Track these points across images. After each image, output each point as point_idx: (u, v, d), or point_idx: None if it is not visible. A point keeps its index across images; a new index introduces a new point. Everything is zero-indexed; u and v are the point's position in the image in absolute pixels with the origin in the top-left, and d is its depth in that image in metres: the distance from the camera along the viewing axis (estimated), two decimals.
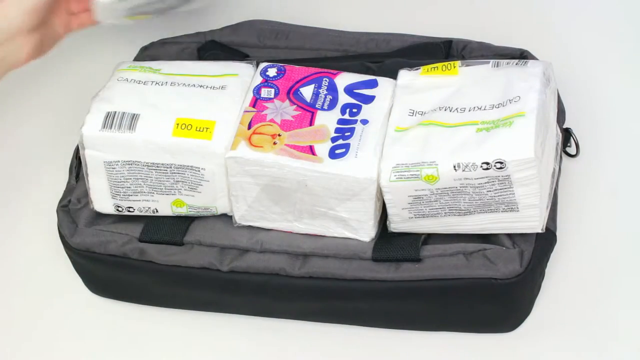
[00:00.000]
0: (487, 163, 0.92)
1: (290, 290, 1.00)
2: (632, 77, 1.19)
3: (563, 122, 1.09)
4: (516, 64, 1.00)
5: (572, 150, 1.10)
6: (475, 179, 0.93)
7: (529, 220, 0.95)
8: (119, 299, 1.07)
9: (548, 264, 1.01)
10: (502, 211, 0.95)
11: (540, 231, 0.96)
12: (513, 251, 0.96)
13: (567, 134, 1.09)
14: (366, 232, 0.99)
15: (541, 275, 1.01)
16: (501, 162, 0.92)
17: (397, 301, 0.99)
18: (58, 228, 1.05)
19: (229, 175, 0.99)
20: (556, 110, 1.02)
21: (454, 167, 0.93)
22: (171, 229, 1.02)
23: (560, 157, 1.06)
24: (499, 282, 0.96)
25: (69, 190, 1.06)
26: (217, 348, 1.04)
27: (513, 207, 0.95)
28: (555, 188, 1.01)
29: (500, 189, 0.93)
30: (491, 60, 1.01)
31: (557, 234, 1.00)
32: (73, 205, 1.05)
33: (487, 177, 0.93)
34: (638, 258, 1.05)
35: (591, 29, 1.24)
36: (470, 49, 1.12)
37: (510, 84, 0.97)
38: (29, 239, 1.13)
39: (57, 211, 1.05)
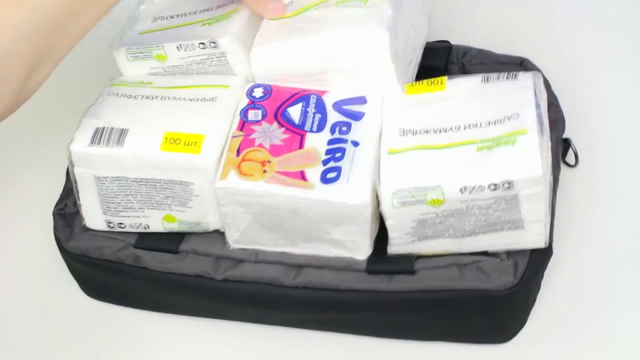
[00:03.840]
0: (495, 184, 0.88)
1: (284, 300, 0.97)
2: (633, 87, 1.16)
3: (562, 132, 1.05)
4: (506, 77, 0.96)
5: (571, 160, 1.08)
6: (482, 200, 0.89)
7: (533, 235, 0.91)
8: (114, 303, 1.05)
9: (544, 275, 0.98)
10: (507, 229, 0.91)
11: (543, 246, 0.92)
12: (507, 263, 0.93)
13: (566, 144, 1.06)
14: (362, 252, 0.95)
15: (536, 287, 0.97)
16: (509, 182, 0.87)
17: (391, 312, 0.96)
18: (54, 232, 1.02)
19: (220, 206, 0.95)
20: (548, 122, 0.97)
21: (461, 190, 0.88)
22: (167, 236, 0.99)
23: (559, 167, 1.03)
24: (492, 294, 0.92)
25: (65, 194, 1.04)
26: (212, 353, 1.02)
27: (518, 224, 0.90)
28: (553, 198, 0.97)
29: (507, 208, 0.89)
30: (480, 75, 0.97)
31: (555, 245, 0.96)
32: (69, 209, 1.03)
33: (494, 197, 0.88)
34: (637, 270, 1.02)
35: (592, 38, 1.21)
36: (471, 56, 1.09)
37: (504, 99, 0.93)
38: (26, 241, 1.11)
39: (53, 215, 1.02)
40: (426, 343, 1.00)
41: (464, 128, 0.93)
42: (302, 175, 0.93)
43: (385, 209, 0.91)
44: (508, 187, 0.88)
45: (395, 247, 0.94)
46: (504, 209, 0.89)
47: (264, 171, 0.93)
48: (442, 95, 0.97)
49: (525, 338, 0.99)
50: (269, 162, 0.94)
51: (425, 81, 0.99)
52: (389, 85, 0.98)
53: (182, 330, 1.04)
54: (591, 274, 1.03)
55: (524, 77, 0.96)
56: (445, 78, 0.98)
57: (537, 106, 0.93)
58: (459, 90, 0.96)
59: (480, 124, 0.92)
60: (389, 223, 0.92)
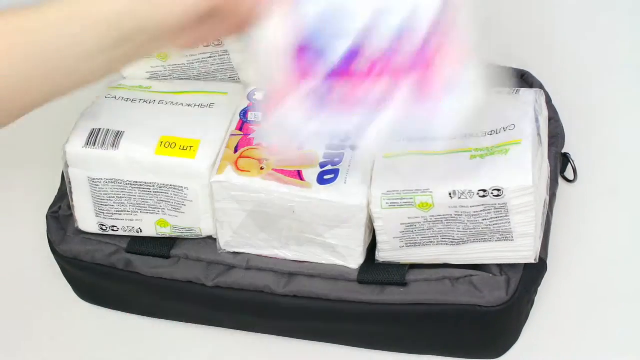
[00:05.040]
0: (484, 190, 0.88)
1: (274, 308, 0.97)
2: (634, 101, 1.17)
3: (562, 147, 1.06)
4: (508, 92, 0.96)
5: (570, 175, 1.08)
6: (471, 206, 0.88)
7: (523, 250, 0.91)
8: (107, 307, 1.05)
9: (539, 291, 0.97)
10: (496, 240, 0.91)
11: (533, 261, 0.92)
12: (500, 278, 0.93)
13: (565, 159, 1.07)
14: (354, 260, 0.95)
15: (529, 303, 0.97)
16: (499, 190, 0.87)
17: (382, 324, 0.96)
18: (47, 234, 1.02)
19: (214, 201, 0.94)
20: (547, 140, 0.98)
21: (450, 194, 0.88)
22: (159, 241, 0.99)
23: (557, 182, 1.03)
24: (483, 310, 0.92)
25: (60, 197, 1.04)
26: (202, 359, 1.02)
27: (508, 236, 0.90)
28: (549, 214, 0.97)
29: (496, 218, 0.89)
30: None
31: (550, 260, 0.96)
32: (63, 212, 1.02)
33: (483, 204, 0.88)
34: (633, 288, 1.02)
35: (595, 52, 1.22)
36: None
37: (503, 112, 0.93)
38: (22, 243, 1.11)
39: (46, 217, 1.02)
40: (416, 356, 1.00)
41: (460, 137, 0.93)
42: (299, 175, 0.93)
43: (374, 209, 0.91)
44: (497, 195, 0.88)
45: (384, 252, 0.94)
46: (493, 219, 0.89)
47: (261, 168, 0.93)
48: None
49: (518, 354, 0.99)
50: (266, 159, 0.94)
51: None
52: None
53: (173, 337, 1.04)
54: (587, 291, 1.02)
55: (526, 93, 0.96)
56: None
57: (536, 120, 0.93)
58: None
59: (476, 133, 0.93)
60: (377, 225, 0.92)
